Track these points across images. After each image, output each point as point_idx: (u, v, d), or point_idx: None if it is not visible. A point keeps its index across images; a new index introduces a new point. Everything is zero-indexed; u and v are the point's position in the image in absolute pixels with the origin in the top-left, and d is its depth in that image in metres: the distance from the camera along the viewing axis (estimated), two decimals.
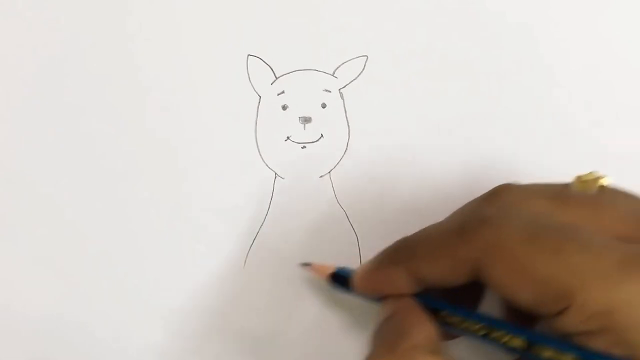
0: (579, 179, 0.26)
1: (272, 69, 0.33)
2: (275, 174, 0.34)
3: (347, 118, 0.34)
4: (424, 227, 0.28)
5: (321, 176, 0.34)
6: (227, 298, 0.33)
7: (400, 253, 0.26)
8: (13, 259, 0.33)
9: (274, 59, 0.33)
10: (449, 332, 0.26)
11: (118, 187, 0.33)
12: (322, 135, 0.34)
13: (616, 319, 0.21)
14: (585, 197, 0.24)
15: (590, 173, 0.26)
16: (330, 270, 0.31)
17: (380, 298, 0.27)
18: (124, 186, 0.33)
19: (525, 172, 0.34)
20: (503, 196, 0.25)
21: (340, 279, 0.30)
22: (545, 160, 0.34)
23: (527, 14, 0.34)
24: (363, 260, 0.33)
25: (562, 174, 0.26)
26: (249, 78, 0.33)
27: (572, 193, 0.25)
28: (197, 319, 0.33)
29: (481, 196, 0.26)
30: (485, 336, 0.24)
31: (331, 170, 0.34)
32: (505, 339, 0.23)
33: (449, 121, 0.34)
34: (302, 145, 0.34)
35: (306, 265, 0.32)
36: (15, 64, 0.33)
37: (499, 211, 0.24)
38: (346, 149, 0.34)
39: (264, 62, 0.33)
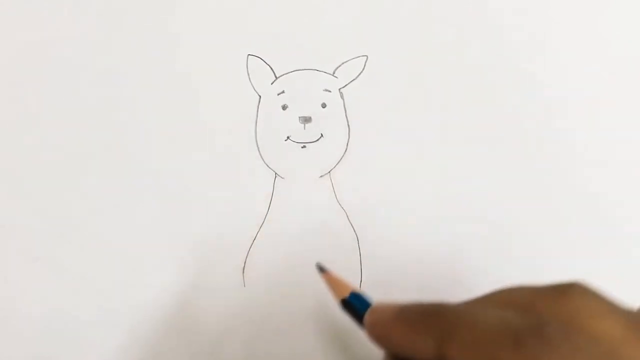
0: None
1: (272, 69, 0.33)
2: (275, 174, 0.34)
3: (347, 118, 0.34)
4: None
5: (321, 176, 0.34)
6: (227, 298, 0.33)
7: (438, 324, 0.23)
8: (14, 257, 0.33)
9: (274, 59, 0.33)
10: None
11: (118, 187, 0.33)
12: (322, 135, 0.34)
13: None
14: None
15: None
16: (345, 294, 0.28)
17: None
18: (124, 186, 0.33)
19: (522, 171, 0.34)
20: (574, 300, 0.21)
21: (353, 306, 0.27)
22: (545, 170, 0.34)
23: (528, 14, 0.34)
24: (363, 260, 0.33)
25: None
26: (249, 78, 0.33)
27: None
28: (196, 319, 0.33)
29: (548, 288, 0.22)
30: None
31: (331, 170, 0.34)
32: None
33: (449, 121, 0.34)
34: (302, 145, 0.34)
35: (322, 270, 0.30)
36: (10, 61, 0.33)
37: (561, 330, 0.20)
38: (346, 149, 0.34)
39: (264, 62, 0.33)
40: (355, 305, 0.27)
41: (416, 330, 0.23)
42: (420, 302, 0.24)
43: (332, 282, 0.29)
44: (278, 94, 0.33)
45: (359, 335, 0.33)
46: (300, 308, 0.33)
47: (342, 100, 0.34)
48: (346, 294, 0.28)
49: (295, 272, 0.33)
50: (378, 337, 0.25)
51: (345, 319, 0.33)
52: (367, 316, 0.26)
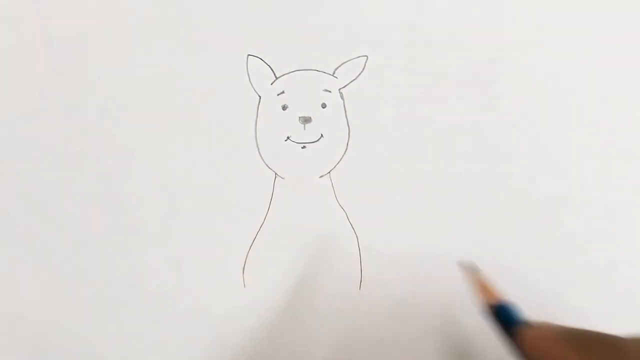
0: None
1: (272, 69, 0.33)
2: (275, 174, 0.34)
3: (347, 118, 0.34)
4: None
5: (321, 176, 0.34)
6: (227, 298, 0.33)
7: (607, 352, 0.23)
8: (15, 266, 0.33)
9: (274, 59, 0.33)
10: None
11: (117, 188, 0.33)
12: (322, 135, 0.34)
13: None
14: None
15: None
16: (493, 301, 0.28)
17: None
18: (124, 187, 0.33)
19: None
20: None
21: (503, 315, 0.27)
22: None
23: (529, 15, 0.34)
24: (363, 260, 0.33)
25: None
26: (249, 78, 0.33)
27: None
28: (196, 320, 0.33)
29: None
30: None
31: (331, 170, 0.34)
32: None
33: (449, 120, 0.34)
34: (302, 145, 0.34)
35: (474, 270, 0.30)
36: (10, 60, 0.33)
37: None
38: (346, 149, 0.34)
39: (264, 62, 0.33)
40: (505, 315, 0.27)
41: (583, 354, 0.23)
42: (587, 329, 0.24)
43: (482, 285, 0.29)
44: (278, 94, 0.33)
45: (356, 334, 0.34)
46: (300, 308, 0.33)
47: (342, 100, 0.34)
48: (494, 301, 0.28)
49: (295, 272, 0.33)
50: (538, 352, 0.25)
51: (349, 317, 0.34)
52: (530, 331, 0.26)
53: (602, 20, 0.35)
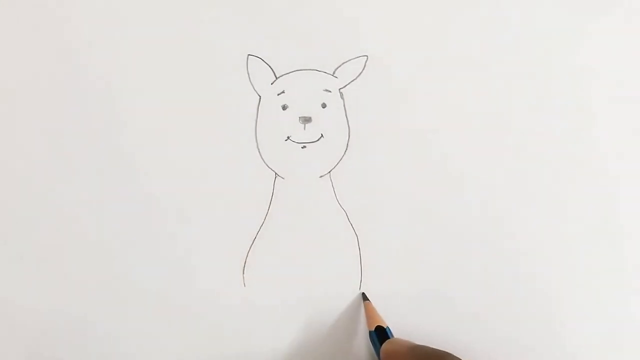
0: None
1: (272, 69, 0.33)
2: (275, 174, 0.34)
3: (347, 118, 0.34)
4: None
5: (321, 176, 0.34)
6: (227, 297, 0.33)
7: None
8: (16, 258, 0.33)
9: (274, 59, 0.33)
10: None
11: (118, 187, 0.33)
12: (322, 135, 0.34)
13: None
14: None
15: None
16: (379, 324, 0.32)
17: None
18: (124, 186, 0.33)
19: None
20: None
21: (380, 337, 0.31)
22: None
23: (527, 13, 0.35)
24: (363, 260, 0.34)
25: None
26: (249, 78, 0.33)
27: None
28: (196, 319, 0.33)
29: None
30: None
31: (331, 170, 0.34)
32: None
33: (449, 120, 0.34)
34: (302, 145, 0.34)
35: (365, 299, 0.33)
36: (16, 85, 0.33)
37: None
38: (346, 149, 0.34)
39: (264, 62, 0.33)
40: (382, 337, 0.31)
41: None
42: (431, 347, 0.28)
43: (370, 311, 0.32)
44: (278, 94, 0.33)
45: (355, 334, 0.34)
46: (299, 308, 0.33)
47: (342, 100, 0.34)
48: (378, 325, 0.31)
49: (295, 272, 0.33)
50: None
51: (342, 320, 0.34)
52: (385, 344, 0.30)
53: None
